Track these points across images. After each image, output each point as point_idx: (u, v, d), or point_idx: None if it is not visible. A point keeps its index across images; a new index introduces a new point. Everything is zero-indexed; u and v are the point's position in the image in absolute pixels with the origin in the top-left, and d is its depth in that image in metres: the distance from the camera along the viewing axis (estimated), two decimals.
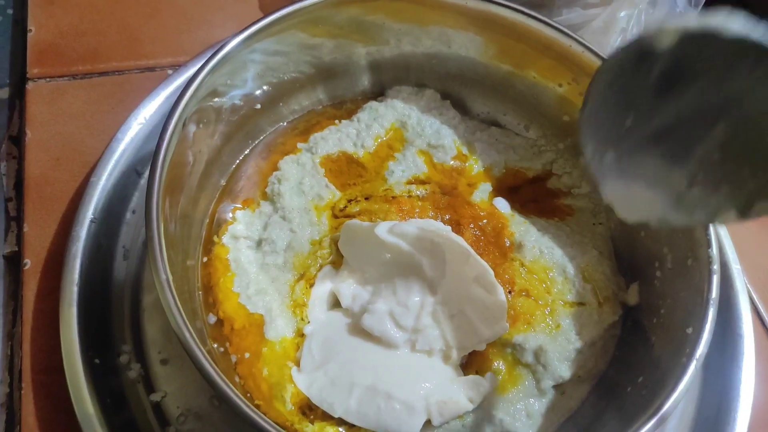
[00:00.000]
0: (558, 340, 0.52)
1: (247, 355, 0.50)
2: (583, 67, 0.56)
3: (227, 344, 0.50)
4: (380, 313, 0.49)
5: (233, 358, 0.50)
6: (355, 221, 0.54)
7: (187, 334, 0.37)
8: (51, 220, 0.58)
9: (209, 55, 0.49)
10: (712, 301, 0.43)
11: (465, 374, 0.50)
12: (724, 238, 0.61)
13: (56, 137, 0.63)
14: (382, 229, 0.50)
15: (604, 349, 0.53)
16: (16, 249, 0.58)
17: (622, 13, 0.65)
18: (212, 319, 0.51)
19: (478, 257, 0.52)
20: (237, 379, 0.49)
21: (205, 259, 0.54)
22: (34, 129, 0.63)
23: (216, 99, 0.52)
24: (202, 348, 0.38)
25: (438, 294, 0.49)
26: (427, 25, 0.60)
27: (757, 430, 0.54)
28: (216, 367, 0.38)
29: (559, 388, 0.51)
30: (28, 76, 0.67)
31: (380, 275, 0.52)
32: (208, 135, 0.53)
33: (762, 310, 0.63)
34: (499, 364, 0.51)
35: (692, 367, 0.41)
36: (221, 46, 0.49)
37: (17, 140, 0.65)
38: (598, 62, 0.55)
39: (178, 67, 0.66)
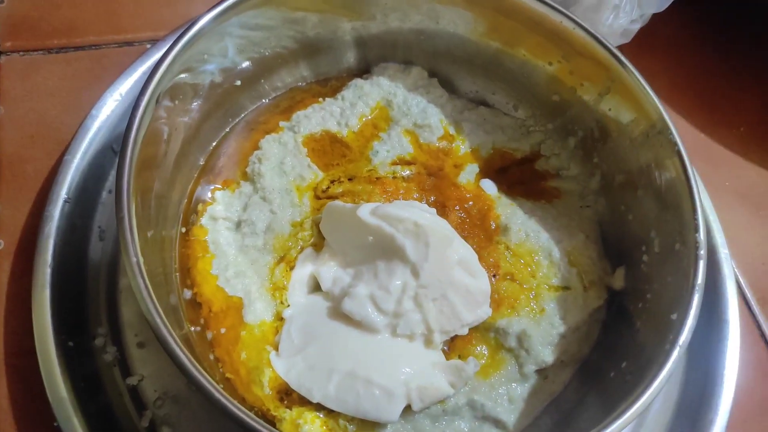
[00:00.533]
0: (542, 325, 0.51)
1: (223, 331, 0.49)
2: (573, 45, 0.55)
3: (205, 327, 0.49)
4: (361, 297, 0.48)
5: (209, 336, 0.49)
6: (337, 202, 0.53)
7: (158, 320, 0.36)
8: (25, 199, 0.57)
9: (193, 29, 0.47)
10: (697, 287, 0.42)
11: (447, 359, 0.49)
12: (713, 222, 0.60)
13: (30, 114, 0.61)
14: (365, 211, 0.49)
15: (588, 333, 0.53)
16: None
17: None
18: (188, 294, 0.50)
19: (463, 241, 0.51)
20: (215, 362, 0.48)
21: (183, 232, 0.52)
22: (7, 105, 0.61)
23: (192, 74, 0.50)
24: (174, 333, 0.37)
25: (420, 277, 0.48)
26: (423, 2, 0.58)
27: (740, 414, 0.54)
28: (189, 354, 0.37)
29: (541, 372, 0.51)
30: (0, 49, 0.64)
31: (362, 258, 0.51)
32: (185, 112, 0.52)
33: (749, 295, 0.63)
34: (481, 349, 0.51)
35: (675, 354, 0.40)
36: (195, 20, 0.47)
37: None
38: (589, 39, 0.53)
39: (157, 41, 0.64)
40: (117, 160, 0.55)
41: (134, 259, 0.38)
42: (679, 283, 0.45)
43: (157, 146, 0.48)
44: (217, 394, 0.36)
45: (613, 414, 0.39)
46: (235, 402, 0.36)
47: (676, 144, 0.49)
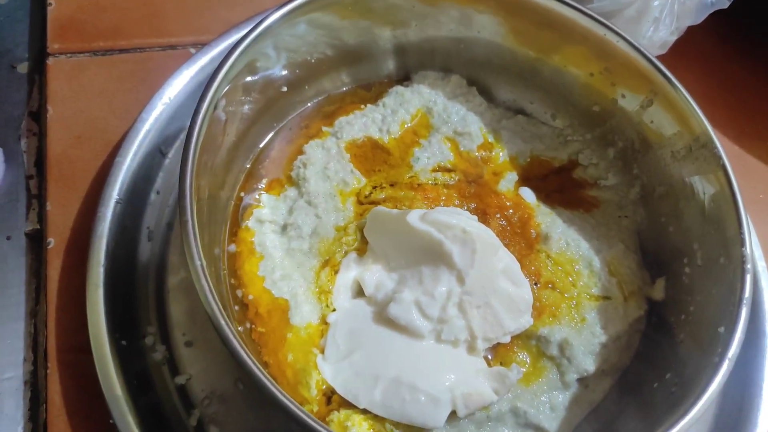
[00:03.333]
0: (583, 334, 0.52)
1: (269, 332, 0.50)
2: (617, 57, 0.55)
3: (252, 328, 0.50)
4: (406, 302, 0.49)
5: (256, 337, 0.50)
6: (383, 208, 0.53)
7: (223, 322, 0.37)
8: (74, 199, 0.58)
9: (240, 35, 0.48)
10: (745, 301, 0.43)
11: (489, 366, 0.50)
12: (753, 235, 0.61)
13: (78, 114, 0.62)
14: (414, 217, 0.50)
15: (629, 343, 0.53)
16: (38, 227, 0.58)
17: (656, 2, 0.63)
18: (239, 293, 0.51)
19: (506, 250, 0.52)
20: (261, 361, 0.49)
21: (232, 247, 0.53)
22: (55, 105, 0.62)
23: (245, 80, 0.51)
24: (236, 333, 0.38)
25: (465, 284, 0.48)
26: (453, 9, 0.59)
27: None
28: (248, 351, 0.38)
29: (582, 381, 0.51)
30: (48, 51, 0.66)
31: (406, 263, 0.52)
32: (236, 117, 0.53)
33: None
34: (523, 356, 0.51)
35: (725, 368, 0.41)
36: (258, 23, 0.48)
37: (37, 116, 0.64)
38: (633, 53, 0.54)
39: (201, 46, 0.65)
40: (165, 162, 0.57)
41: (198, 262, 0.39)
42: (724, 297, 0.45)
43: (212, 149, 0.49)
44: (278, 393, 0.37)
45: (663, 426, 0.39)
46: (292, 399, 0.37)
47: (720, 158, 0.49)
